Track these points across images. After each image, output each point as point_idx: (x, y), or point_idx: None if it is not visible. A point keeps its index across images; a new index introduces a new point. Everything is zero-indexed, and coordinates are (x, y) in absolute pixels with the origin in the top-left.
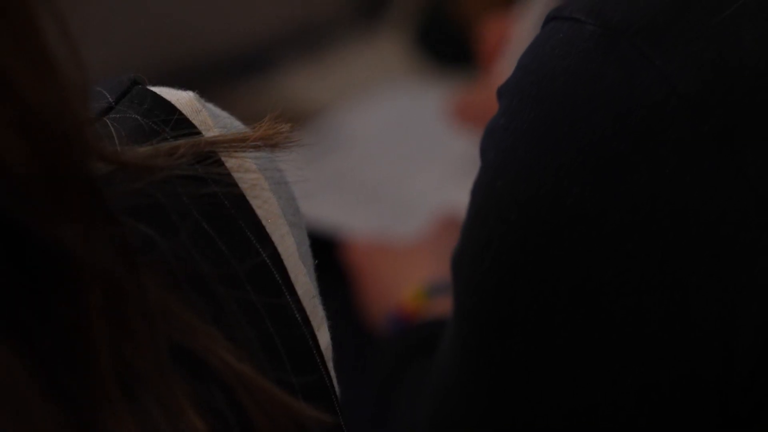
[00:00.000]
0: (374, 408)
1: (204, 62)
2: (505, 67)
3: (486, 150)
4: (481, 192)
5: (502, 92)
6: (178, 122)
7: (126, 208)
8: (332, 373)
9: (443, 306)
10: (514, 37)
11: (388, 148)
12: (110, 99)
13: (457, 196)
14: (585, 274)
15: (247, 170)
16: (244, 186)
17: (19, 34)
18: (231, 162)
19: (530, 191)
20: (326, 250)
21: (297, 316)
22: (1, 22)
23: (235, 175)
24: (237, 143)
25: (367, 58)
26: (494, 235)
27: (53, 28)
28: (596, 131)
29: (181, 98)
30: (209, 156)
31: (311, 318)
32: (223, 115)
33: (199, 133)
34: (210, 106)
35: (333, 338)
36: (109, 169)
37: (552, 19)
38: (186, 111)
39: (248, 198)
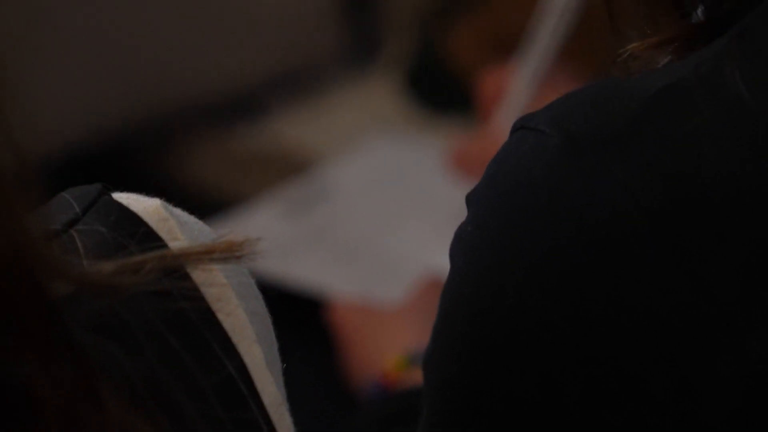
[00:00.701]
0: None
1: (193, 106)
2: (502, 119)
3: (454, 256)
4: (449, 297)
5: (470, 199)
6: (144, 235)
7: (90, 325)
8: None
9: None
10: (511, 89)
11: (376, 201)
12: (77, 209)
13: (444, 257)
14: (548, 381)
15: (213, 283)
16: (210, 299)
17: None
18: (197, 274)
19: (495, 300)
20: (311, 308)
21: (264, 428)
22: None
23: (202, 288)
24: (203, 255)
25: (358, 104)
26: (460, 342)
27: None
28: (558, 243)
29: (148, 207)
30: (175, 269)
31: (278, 428)
32: (191, 221)
33: (165, 245)
34: (177, 212)
35: (315, 401)
36: (73, 289)
37: (519, 128)
38: (152, 222)
39: (214, 310)
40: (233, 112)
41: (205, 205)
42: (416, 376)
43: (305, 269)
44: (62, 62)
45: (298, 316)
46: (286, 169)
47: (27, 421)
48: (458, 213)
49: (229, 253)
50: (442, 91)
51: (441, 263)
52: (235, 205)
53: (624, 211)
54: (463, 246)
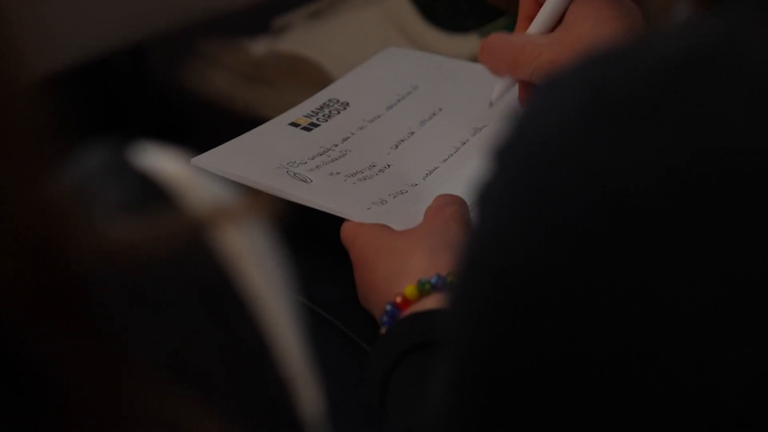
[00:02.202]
0: (374, 403)
1: (207, 19)
2: (536, 25)
3: (482, 210)
4: (472, 250)
5: (497, 153)
6: (164, 196)
7: (111, 295)
8: None
9: (435, 300)
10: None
11: (392, 114)
12: (98, 169)
13: (459, 180)
14: (569, 345)
15: (231, 243)
16: (230, 260)
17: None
18: (217, 236)
19: (517, 258)
20: (328, 233)
21: (288, 388)
22: None
23: (221, 249)
24: (222, 216)
25: (375, 19)
26: (479, 297)
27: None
28: (581, 205)
29: (168, 167)
30: (194, 231)
31: (301, 388)
32: (210, 181)
33: (186, 206)
34: (196, 172)
35: (333, 329)
36: (95, 258)
37: (550, 84)
38: (171, 182)
39: (233, 271)
40: (250, 25)
41: (221, 116)
42: (428, 303)
43: (321, 187)
44: None
45: (318, 233)
46: (304, 82)
47: (57, 402)
48: (475, 128)
49: (246, 213)
50: (459, 7)
51: (457, 186)
52: (252, 117)
53: (649, 180)
54: (490, 201)
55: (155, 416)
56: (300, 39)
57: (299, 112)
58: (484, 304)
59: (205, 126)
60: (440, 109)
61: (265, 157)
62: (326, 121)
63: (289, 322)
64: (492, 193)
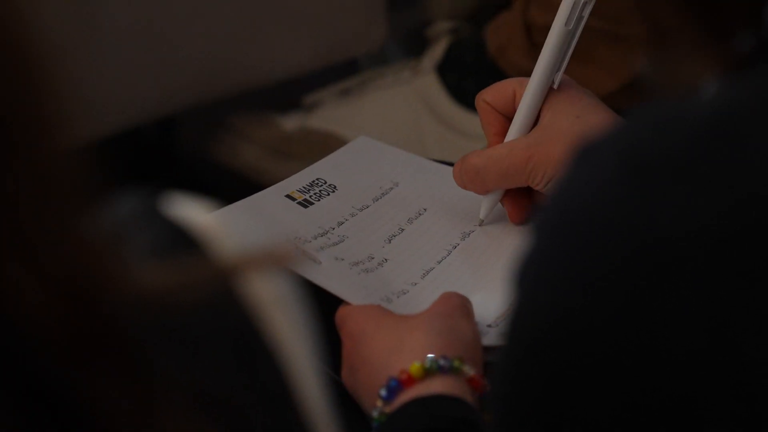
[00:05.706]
0: None
1: (239, 94)
2: (512, 132)
3: (522, 282)
4: (518, 324)
5: (536, 226)
6: (194, 244)
7: (146, 336)
8: None
9: (440, 383)
10: (522, 102)
11: (376, 210)
12: (129, 216)
13: (459, 282)
14: (609, 405)
15: (258, 291)
16: (257, 306)
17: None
18: (244, 283)
19: (559, 319)
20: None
21: (306, 427)
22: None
23: (248, 297)
24: (250, 264)
25: (402, 97)
26: (528, 359)
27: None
28: (620, 260)
29: (198, 216)
30: (223, 278)
31: (319, 425)
32: (239, 230)
33: (215, 254)
34: (227, 221)
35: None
36: (131, 302)
37: (584, 151)
38: (202, 230)
39: (259, 318)
40: (281, 101)
41: (248, 188)
42: (434, 384)
43: (330, 270)
44: (117, 54)
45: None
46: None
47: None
48: (463, 232)
49: (273, 262)
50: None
51: (456, 286)
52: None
53: (687, 233)
54: (530, 273)
55: None
56: (330, 115)
57: (293, 185)
58: (531, 369)
59: (230, 198)
60: (425, 209)
61: (272, 225)
62: (318, 200)
63: (311, 366)
64: (533, 262)
